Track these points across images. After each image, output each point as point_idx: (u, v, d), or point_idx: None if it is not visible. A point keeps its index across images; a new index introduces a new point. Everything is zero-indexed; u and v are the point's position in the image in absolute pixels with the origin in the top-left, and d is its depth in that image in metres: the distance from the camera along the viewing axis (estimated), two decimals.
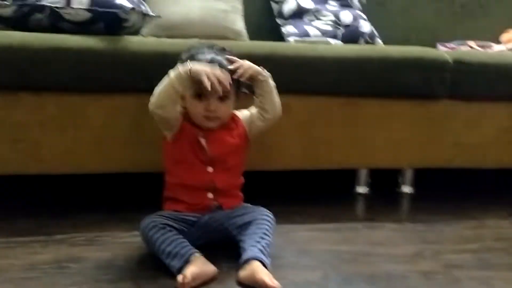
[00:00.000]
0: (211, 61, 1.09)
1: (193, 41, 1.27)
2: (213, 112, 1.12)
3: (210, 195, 1.14)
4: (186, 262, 0.98)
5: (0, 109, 1.26)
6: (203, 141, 1.14)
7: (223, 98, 1.12)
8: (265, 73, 1.18)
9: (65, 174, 1.35)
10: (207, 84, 1.04)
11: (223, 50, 1.15)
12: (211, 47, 1.15)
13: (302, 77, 1.41)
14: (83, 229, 1.22)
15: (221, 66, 1.10)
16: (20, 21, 1.30)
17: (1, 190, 1.51)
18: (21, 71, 1.23)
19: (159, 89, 1.09)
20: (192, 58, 1.11)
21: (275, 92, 1.21)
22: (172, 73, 1.07)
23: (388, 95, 1.49)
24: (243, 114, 1.23)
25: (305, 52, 1.41)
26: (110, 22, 1.32)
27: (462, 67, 1.50)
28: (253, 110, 1.23)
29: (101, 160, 1.35)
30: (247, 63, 1.15)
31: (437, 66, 1.48)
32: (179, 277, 0.93)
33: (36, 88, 1.26)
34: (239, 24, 1.83)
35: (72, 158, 1.32)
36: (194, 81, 1.06)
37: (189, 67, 1.05)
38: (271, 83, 1.19)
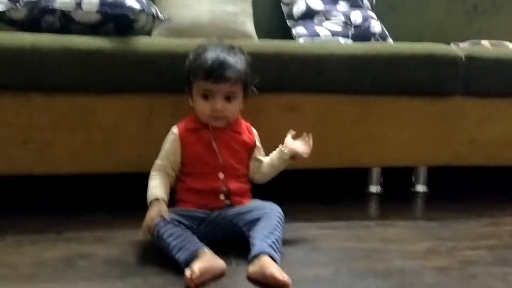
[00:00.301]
0: (215, 59, 1.09)
1: (202, 40, 1.27)
2: (219, 112, 1.11)
3: (222, 197, 1.14)
4: (194, 256, 0.97)
5: (11, 109, 1.27)
6: (214, 144, 1.14)
7: (229, 98, 1.12)
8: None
9: (75, 175, 1.35)
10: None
11: (231, 48, 1.15)
12: (219, 45, 1.14)
13: (312, 75, 1.40)
14: (92, 228, 1.22)
15: (225, 64, 1.09)
16: (31, 24, 1.32)
17: (12, 190, 1.53)
18: (32, 72, 1.24)
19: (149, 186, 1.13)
20: (198, 56, 1.11)
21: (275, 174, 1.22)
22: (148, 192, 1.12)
23: (399, 92, 1.47)
24: (259, 146, 1.23)
25: (314, 50, 1.40)
26: (120, 24, 1.33)
27: (474, 63, 1.48)
28: (261, 158, 1.22)
29: (111, 160, 1.35)
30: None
31: (449, 62, 1.46)
32: (187, 272, 0.92)
33: (47, 89, 1.27)
34: (249, 26, 1.83)
35: (83, 158, 1.33)
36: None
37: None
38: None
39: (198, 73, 1.10)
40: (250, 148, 1.20)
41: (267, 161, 1.20)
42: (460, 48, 1.53)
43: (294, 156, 1.18)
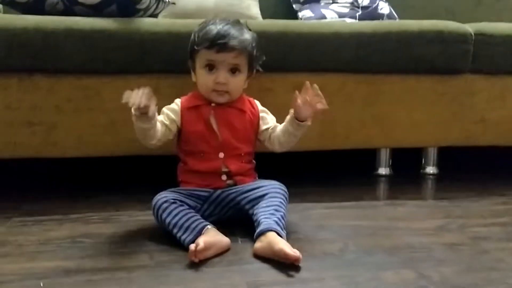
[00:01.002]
0: (220, 29, 1.07)
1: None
2: (222, 85, 1.09)
3: (224, 177, 1.12)
4: (199, 235, 0.95)
5: (15, 92, 1.26)
6: (213, 122, 1.11)
7: (234, 70, 1.10)
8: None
9: (80, 157, 1.34)
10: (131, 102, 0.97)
11: (237, 22, 1.13)
12: (225, 19, 1.12)
13: (318, 54, 1.38)
14: (98, 209, 1.21)
15: (230, 34, 1.06)
16: (35, 6, 1.31)
17: (19, 173, 1.53)
18: (35, 53, 1.23)
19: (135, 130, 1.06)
20: (203, 28, 1.09)
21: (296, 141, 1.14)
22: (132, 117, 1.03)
23: (408, 71, 1.44)
24: (267, 114, 1.18)
25: (320, 29, 1.38)
26: (123, 5, 1.31)
27: (485, 39, 1.45)
28: (268, 127, 1.17)
29: (116, 143, 1.34)
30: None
31: (458, 39, 1.43)
32: (191, 245, 0.90)
33: (51, 71, 1.27)
34: (254, 10, 1.81)
35: (88, 141, 1.32)
36: (141, 111, 0.99)
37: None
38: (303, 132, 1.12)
39: (202, 42, 1.07)
40: (255, 124, 1.17)
41: (281, 129, 1.13)
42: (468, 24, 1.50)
43: (306, 114, 1.07)
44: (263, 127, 1.17)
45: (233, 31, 1.07)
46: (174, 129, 1.12)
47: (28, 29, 1.22)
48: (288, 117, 1.11)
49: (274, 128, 1.16)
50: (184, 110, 1.12)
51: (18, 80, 1.26)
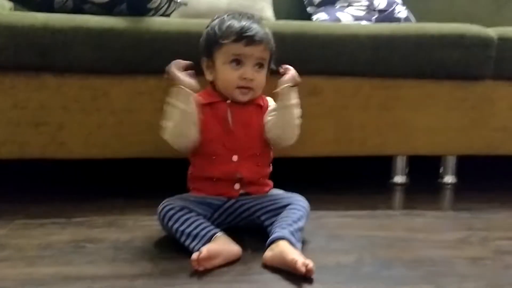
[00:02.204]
0: (245, 23, 1.01)
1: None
2: (249, 82, 1.02)
3: (237, 186, 1.05)
4: (208, 242, 0.90)
5: (23, 91, 1.23)
6: (230, 120, 1.04)
7: (259, 65, 1.03)
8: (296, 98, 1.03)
9: (87, 159, 1.30)
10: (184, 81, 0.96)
11: (253, 17, 1.07)
12: (241, 13, 1.06)
13: (334, 57, 1.33)
14: (103, 213, 1.17)
15: (255, 27, 1.01)
16: (44, 4, 1.28)
17: (24, 174, 1.50)
18: (43, 52, 1.20)
19: (169, 120, 1.00)
20: (223, 22, 1.03)
21: (293, 122, 1.04)
22: (170, 100, 0.99)
23: (427, 75, 1.39)
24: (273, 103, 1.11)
25: (337, 30, 1.33)
26: (133, 3, 1.28)
27: (507, 44, 1.39)
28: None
29: (124, 145, 1.30)
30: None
31: (480, 44, 1.37)
32: (194, 254, 0.85)
33: (59, 70, 1.24)
34: (268, 12, 1.77)
35: (95, 142, 1.29)
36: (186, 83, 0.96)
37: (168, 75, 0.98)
38: (296, 111, 1.04)
39: (229, 36, 1.00)
40: None
41: (271, 109, 1.06)
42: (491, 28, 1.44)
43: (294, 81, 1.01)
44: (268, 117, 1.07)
45: (256, 25, 1.02)
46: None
47: (36, 27, 1.19)
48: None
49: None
50: (199, 106, 1.06)
51: (25, 79, 1.23)
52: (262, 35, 1.02)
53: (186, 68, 1.00)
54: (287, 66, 1.04)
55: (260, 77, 1.04)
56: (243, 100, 1.04)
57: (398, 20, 1.79)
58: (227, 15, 1.05)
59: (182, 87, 0.97)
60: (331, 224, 1.14)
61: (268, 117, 1.06)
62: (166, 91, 1.27)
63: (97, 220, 1.13)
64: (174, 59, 1.25)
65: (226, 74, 1.03)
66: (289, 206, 1.01)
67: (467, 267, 0.92)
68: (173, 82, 0.98)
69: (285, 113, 1.03)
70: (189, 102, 0.97)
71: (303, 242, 0.98)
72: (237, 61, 1.02)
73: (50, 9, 1.27)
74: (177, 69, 0.98)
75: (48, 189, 1.39)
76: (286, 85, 1.01)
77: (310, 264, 0.84)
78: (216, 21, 1.06)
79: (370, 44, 1.33)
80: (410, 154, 1.49)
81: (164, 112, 1.00)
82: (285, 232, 0.92)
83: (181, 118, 0.98)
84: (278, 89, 1.02)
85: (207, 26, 1.08)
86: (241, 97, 1.04)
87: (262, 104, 1.09)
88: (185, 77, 0.97)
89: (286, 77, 1.02)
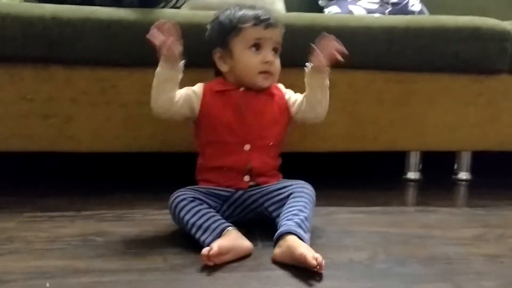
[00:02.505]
0: (259, 12, 1.02)
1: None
2: (270, 66, 1.03)
3: (246, 178, 1.04)
4: (219, 236, 0.89)
5: (31, 83, 1.22)
6: (243, 108, 1.03)
7: (275, 50, 1.05)
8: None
9: (96, 152, 1.29)
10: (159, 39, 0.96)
11: (260, 8, 1.07)
12: (248, 6, 1.06)
13: (346, 50, 1.30)
14: (112, 207, 1.16)
15: (270, 12, 1.03)
16: None
17: (33, 167, 1.50)
18: (52, 43, 1.19)
19: (153, 86, 1.04)
20: (235, 11, 1.03)
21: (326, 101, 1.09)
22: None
23: (441, 69, 1.36)
24: (292, 92, 1.12)
25: (349, 23, 1.30)
26: None
27: None
28: (296, 99, 1.11)
29: (133, 138, 1.29)
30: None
31: (496, 37, 1.34)
32: (204, 249, 0.84)
33: (67, 62, 1.22)
34: (279, 5, 1.74)
35: (104, 135, 1.27)
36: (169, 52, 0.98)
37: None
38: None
39: (247, 21, 1.01)
40: (283, 107, 1.09)
41: (306, 91, 1.08)
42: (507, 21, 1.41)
43: (321, 60, 1.02)
44: (292, 100, 1.10)
45: (267, 11, 1.05)
46: (187, 112, 1.06)
47: (45, 18, 1.18)
48: (306, 73, 1.06)
49: (301, 97, 1.09)
50: (208, 94, 1.05)
51: (33, 70, 1.22)
52: (277, 19, 1.04)
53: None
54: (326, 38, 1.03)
55: (277, 62, 1.06)
56: (265, 86, 1.05)
57: (412, 13, 1.75)
58: (235, 7, 1.06)
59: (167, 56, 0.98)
60: (343, 220, 1.12)
61: (300, 100, 1.08)
62: None
63: (106, 213, 1.11)
64: (184, 52, 1.24)
65: (248, 60, 1.03)
66: (292, 195, 0.99)
67: (484, 265, 0.89)
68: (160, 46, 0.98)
69: (320, 92, 1.06)
70: (172, 66, 1.00)
71: (313, 237, 0.95)
72: (257, 46, 1.03)
73: (59, 0, 1.26)
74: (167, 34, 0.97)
75: (57, 182, 1.39)
76: (324, 64, 1.03)
77: (320, 257, 0.82)
78: (227, 12, 1.05)
79: (384, 36, 1.30)
80: (424, 149, 1.46)
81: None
82: (291, 225, 0.90)
83: (163, 82, 1.02)
84: (316, 66, 1.03)
85: (212, 21, 1.09)
86: (263, 82, 1.04)
87: (274, 92, 1.09)
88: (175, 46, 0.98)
89: (324, 55, 1.02)
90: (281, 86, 1.13)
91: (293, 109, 1.10)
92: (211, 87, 1.06)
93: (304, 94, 1.09)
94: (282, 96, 1.10)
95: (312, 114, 1.10)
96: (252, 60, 1.02)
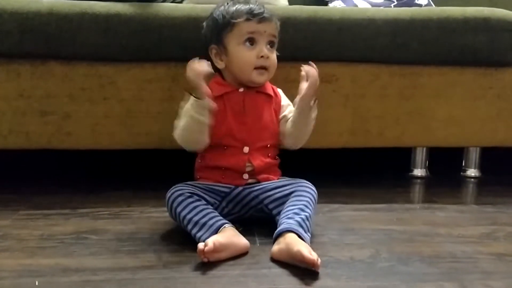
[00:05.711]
0: (252, 6, 0.99)
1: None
2: (266, 60, 1.00)
3: (245, 176, 1.02)
4: (215, 233, 0.86)
5: (28, 79, 1.20)
6: (243, 110, 1.02)
7: (271, 44, 1.02)
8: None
9: (94, 149, 1.27)
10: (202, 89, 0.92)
11: (254, 2, 1.04)
12: (242, 0, 1.03)
13: (350, 43, 1.27)
14: (109, 204, 1.14)
15: (264, 7, 1.00)
16: None
17: (30, 164, 1.48)
18: (49, 38, 1.17)
19: (181, 125, 0.97)
20: (229, 7, 1.01)
21: (309, 132, 1.04)
22: (186, 105, 0.95)
23: (448, 62, 1.32)
24: (289, 105, 1.08)
25: (353, 15, 1.27)
26: None
27: None
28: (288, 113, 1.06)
29: (132, 135, 1.26)
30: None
31: (506, 28, 1.30)
32: (200, 244, 0.81)
33: (65, 58, 1.21)
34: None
35: (102, 132, 1.25)
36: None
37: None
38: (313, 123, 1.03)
39: (240, 15, 0.99)
40: (277, 114, 1.07)
41: (290, 120, 1.04)
42: None
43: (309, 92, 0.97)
44: (284, 114, 1.06)
45: (261, 5, 1.02)
46: None
47: (42, 13, 1.16)
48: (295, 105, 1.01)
49: (289, 122, 1.04)
50: (213, 99, 1.02)
51: (31, 66, 1.21)
52: (271, 12, 1.01)
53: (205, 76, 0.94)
54: (311, 67, 0.98)
55: (273, 57, 1.02)
56: (260, 82, 1.02)
57: (418, 7, 1.71)
58: (229, 2, 1.04)
59: (201, 99, 0.93)
60: (346, 217, 1.08)
61: (287, 124, 1.04)
62: (174, 79, 1.25)
63: (102, 211, 1.09)
64: (183, 46, 1.22)
65: (242, 55, 1.00)
66: (294, 193, 0.97)
67: (492, 264, 0.85)
68: (191, 88, 0.94)
69: (305, 124, 1.01)
70: (205, 114, 0.94)
71: (314, 235, 0.92)
72: (251, 40, 1.00)
73: None
74: (197, 76, 0.92)
75: (55, 180, 1.37)
76: (311, 100, 0.98)
77: (315, 256, 0.79)
78: (220, 8, 1.03)
79: (388, 29, 1.27)
80: (430, 145, 1.42)
81: (178, 113, 0.98)
82: (292, 223, 0.88)
83: (193, 127, 0.96)
84: (301, 103, 0.98)
85: (208, 17, 1.07)
86: (259, 78, 1.01)
87: (272, 94, 1.07)
88: (206, 88, 0.93)
89: (310, 90, 0.97)
90: (281, 92, 1.10)
91: (281, 131, 1.06)
92: (210, 92, 1.03)
93: (290, 119, 1.04)
94: (278, 103, 1.08)
95: (290, 142, 1.05)
96: (247, 55, 0.99)
